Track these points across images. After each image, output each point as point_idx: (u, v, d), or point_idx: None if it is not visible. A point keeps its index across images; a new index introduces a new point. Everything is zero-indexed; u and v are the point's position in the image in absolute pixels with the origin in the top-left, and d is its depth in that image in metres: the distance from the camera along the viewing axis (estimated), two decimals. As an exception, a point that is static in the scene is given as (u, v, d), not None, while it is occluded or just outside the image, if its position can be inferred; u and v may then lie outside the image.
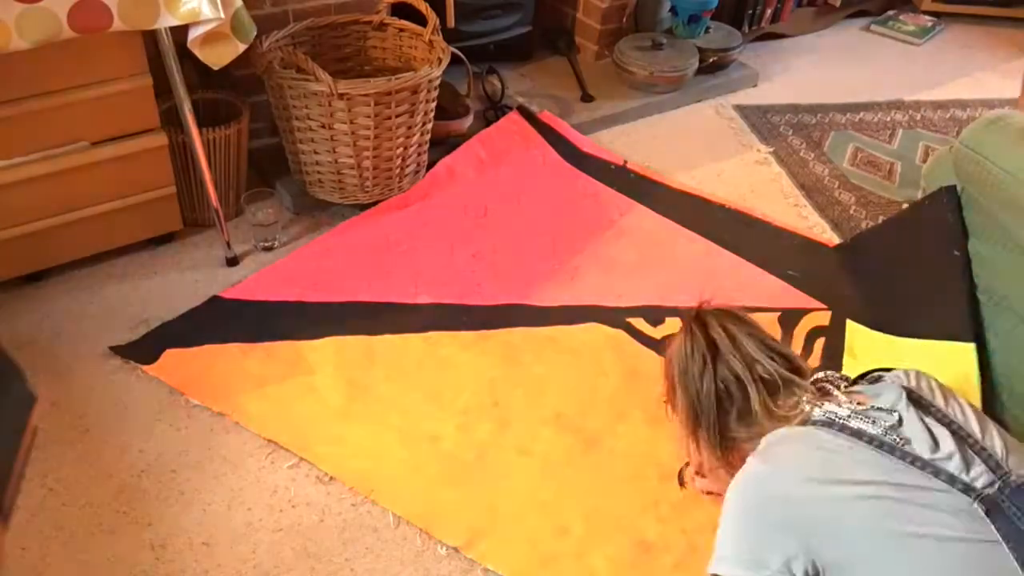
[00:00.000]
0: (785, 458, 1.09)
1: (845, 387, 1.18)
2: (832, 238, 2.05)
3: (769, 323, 1.77)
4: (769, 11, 2.89)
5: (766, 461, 1.09)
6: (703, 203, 2.13)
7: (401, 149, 1.92)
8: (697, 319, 1.25)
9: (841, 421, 1.08)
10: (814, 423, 1.10)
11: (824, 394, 1.16)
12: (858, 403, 1.12)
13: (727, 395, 1.18)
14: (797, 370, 1.20)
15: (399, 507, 1.39)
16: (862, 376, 1.24)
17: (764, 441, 1.12)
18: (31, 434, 0.83)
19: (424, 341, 1.68)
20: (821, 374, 1.21)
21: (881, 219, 2.09)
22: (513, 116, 2.33)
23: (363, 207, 2.00)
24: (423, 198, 2.04)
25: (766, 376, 1.17)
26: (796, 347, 1.72)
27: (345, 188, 1.94)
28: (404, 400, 1.57)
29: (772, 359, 1.19)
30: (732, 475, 1.13)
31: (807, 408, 1.13)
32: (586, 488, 1.44)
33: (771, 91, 2.68)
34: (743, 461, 1.12)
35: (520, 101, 2.41)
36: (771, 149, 2.38)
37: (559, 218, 2.04)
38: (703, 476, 1.39)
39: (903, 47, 3.04)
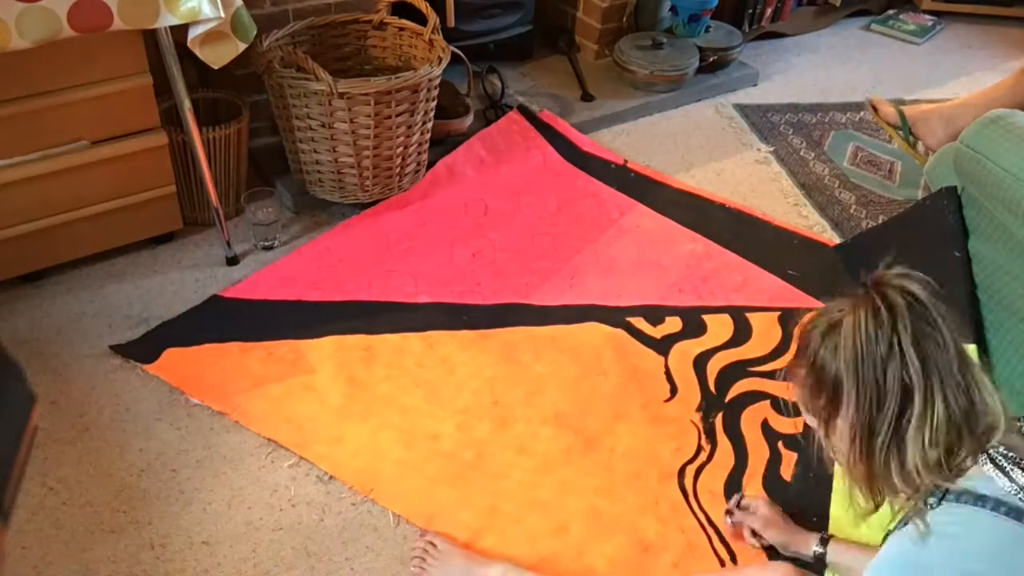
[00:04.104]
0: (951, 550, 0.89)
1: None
2: (832, 238, 2.05)
3: (769, 323, 1.77)
4: (769, 10, 2.89)
5: (928, 547, 0.89)
6: (703, 202, 2.13)
7: (401, 148, 1.92)
8: (885, 298, 1.00)
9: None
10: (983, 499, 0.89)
11: (987, 463, 0.92)
12: None
13: (909, 403, 0.93)
14: (974, 417, 0.94)
15: (399, 506, 1.40)
16: None
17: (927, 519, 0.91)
18: (31, 434, 0.83)
19: (423, 340, 1.68)
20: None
21: (881, 219, 2.10)
22: (513, 115, 2.33)
23: (363, 206, 2.00)
24: (423, 197, 2.04)
25: (951, 407, 0.92)
26: (796, 347, 1.71)
27: (345, 187, 1.94)
28: (404, 399, 1.57)
29: (964, 388, 0.94)
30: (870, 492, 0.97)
31: (974, 470, 0.92)
32: (585, 487, 1.44)
33: (771, 90, 2.68)
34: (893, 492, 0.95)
35: (520, 100, 2.41)
36: (771, 148, 2.38)
37: (559, 218, 2.04)
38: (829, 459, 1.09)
39: (903, 46, 3.04)
